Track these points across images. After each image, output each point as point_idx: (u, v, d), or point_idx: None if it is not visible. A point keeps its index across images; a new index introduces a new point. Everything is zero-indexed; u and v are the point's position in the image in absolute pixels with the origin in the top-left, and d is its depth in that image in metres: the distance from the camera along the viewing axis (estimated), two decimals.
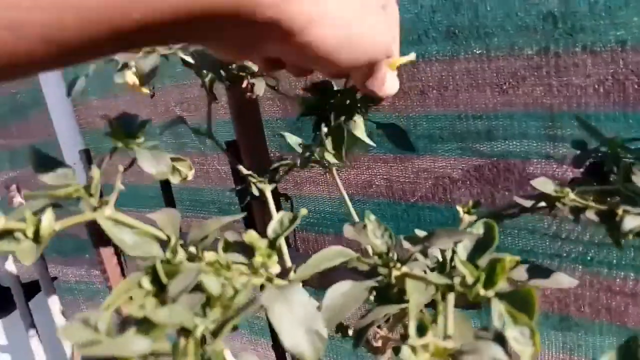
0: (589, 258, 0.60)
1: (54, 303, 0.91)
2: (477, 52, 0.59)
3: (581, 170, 0.40)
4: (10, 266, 0.94)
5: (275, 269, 0.30)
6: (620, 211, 0.34)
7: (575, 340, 0.63)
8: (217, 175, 0.92)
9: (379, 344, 0.43)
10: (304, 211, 0.33)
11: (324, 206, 0.80)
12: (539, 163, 0.59)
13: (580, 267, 0.60)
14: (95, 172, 0.34)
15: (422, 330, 0.27)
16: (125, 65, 0.53)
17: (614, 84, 0.52)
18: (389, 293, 0.34)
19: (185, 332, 0.23)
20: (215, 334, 0.23)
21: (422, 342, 0.25)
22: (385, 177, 0.73)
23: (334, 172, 0.56)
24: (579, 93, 0.54)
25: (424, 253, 0.35)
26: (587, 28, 0.52)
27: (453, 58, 0.61)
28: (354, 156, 0.74)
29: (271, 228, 0.31)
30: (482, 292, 0.28)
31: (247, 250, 0.31)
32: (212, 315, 0.24)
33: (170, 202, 0.84)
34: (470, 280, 0.28)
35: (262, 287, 0.29)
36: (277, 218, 0.32)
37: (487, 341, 0.26)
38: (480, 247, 0.31)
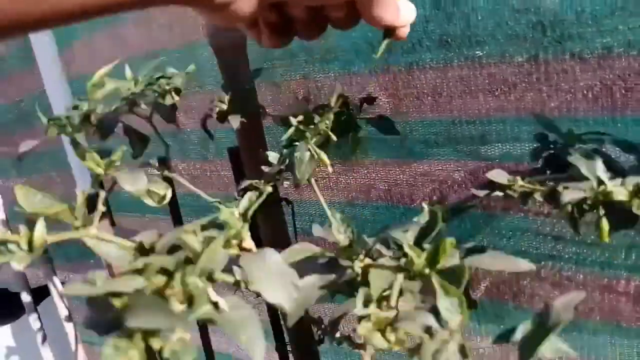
0: (582, 258, 0.61)
1: (62, 307, 0.93)
2: (470, 59, 0.61)
3: (539, 163, 0.45)
4: (20, 272, 0.96)
5: (248, 243, 0.34)
6: (560, 188, 0.38)
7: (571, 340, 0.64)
8: (220, 181, 0.94)
9: (361, 340, 0.46)
10: (268, 189, 0.37)
11: (324, 210, 0.82)
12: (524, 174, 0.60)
13: (574, 267, 0.62)
14: (80, 195, 0.37)
15: (367, 304, 0.31)
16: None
17: (602, 89, 0.54)
18: (356, 286, 0.38)
19: (168, 277, 0.27)
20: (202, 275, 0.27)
21: (365, 312, 0.29)
22: (384, 181, 0.74)
23: (312, 181, 0.60)
24: (569, 98, 0.56)
25: (387, 245, 0.39)
26: (575, 36, 0.53)
27: (446, 65, 0.63)
28: (355, 161, 0.76)
29: (242, 205, 0.35)
30: (425, 270, 0.31)
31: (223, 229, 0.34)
32: (193, 270, 0.28)
33: (174, 207, 0.86)
34: (417, 261, 0.32)
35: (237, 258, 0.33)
36: (247, 197, 0.36)
37: (422, 311, 0.29)
38: (425, 232, 0.35)
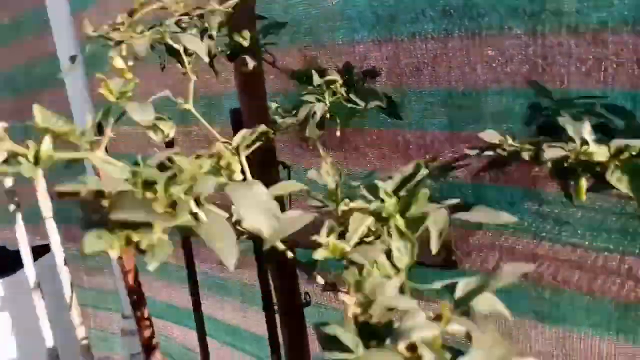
0: (557, 233, 0.63)
1: (59, 254, 0.95)
2: (470, 31, 0.62)
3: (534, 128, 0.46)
4: (20, 229, 0.98)
5: (238, 175, 0.36)
6: (545, 146, 0.39)
7: (548, 309, 0.66)
8: None
9: (346, 288, 0.48)
10: (262, 127, 0.39)
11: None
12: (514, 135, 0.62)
13: (550, 241, 0.64)
14: (89, 120, 0.40)
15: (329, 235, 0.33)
16: (120, 43, 0.59)
17: (595, 63, 0.55)
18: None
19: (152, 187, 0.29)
20: (187, 192, 0.28)
21: (324, 240, 0.31)
22: (379, 150, 0.76)
23: (318, 144, 0.62)
24: (563, 71, 0.58)
25: (374, 194, 0.40)
26: (572, 10, 0.55)
27: (447, 36, 0.64)
28: (350, 130, 0.78)
29: (236, 140, 0.38)
30: (397, 217, 0.34)
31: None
32: (180, 183, 0.30)
33: None
34: (388, 206, 0.34)
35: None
36: (241, 133, 0.38)
37: (374, 247, 0.32)
38: (404, 182, 0.37)
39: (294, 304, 0.82)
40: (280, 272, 0.81)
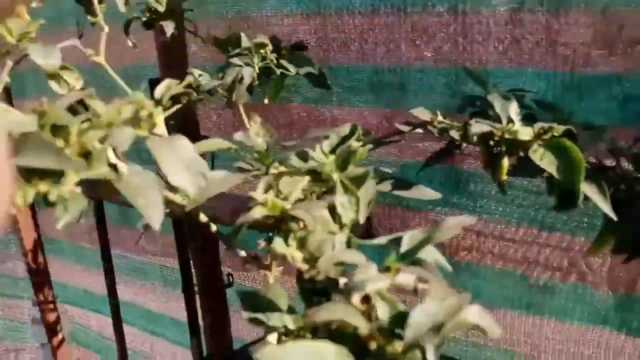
0: (479, 207, 0.65)
1: None
2: (395, 7, 0.62)
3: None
4: None
5: (162, 130, 0.33)
6: (472, 122, 0.39)
7: (464, 284, 0.68)
8: None
9: (268, 261, 0.46)
10: (189, 78, 0.36)
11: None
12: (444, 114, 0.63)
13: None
14: None
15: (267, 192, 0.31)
16: None
17: (512, 43, 0.57)
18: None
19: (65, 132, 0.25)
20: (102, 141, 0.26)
21: (262, 197, 0.29)
22: (302, 125, 0.75)
23: (241, 107, 0.60)
24: (481, 50, 0.59)
25: (304, 158, 0.39)
26: None
27: (374, 12, 0.64)
28: (275, 106, 0.76)
29: (159, 90, 0.34)
30: (334, 174, 0.33)
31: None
32: (94, 129, 0.26)
33: None
34: (327, 163, 0.33)
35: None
36: (166, 82, 0.35)
37: (319, 204, 0.30)
38: (342, 141, 0.37)
39: (216, 284, 0.80)
40: (201, 250, 0.78)
